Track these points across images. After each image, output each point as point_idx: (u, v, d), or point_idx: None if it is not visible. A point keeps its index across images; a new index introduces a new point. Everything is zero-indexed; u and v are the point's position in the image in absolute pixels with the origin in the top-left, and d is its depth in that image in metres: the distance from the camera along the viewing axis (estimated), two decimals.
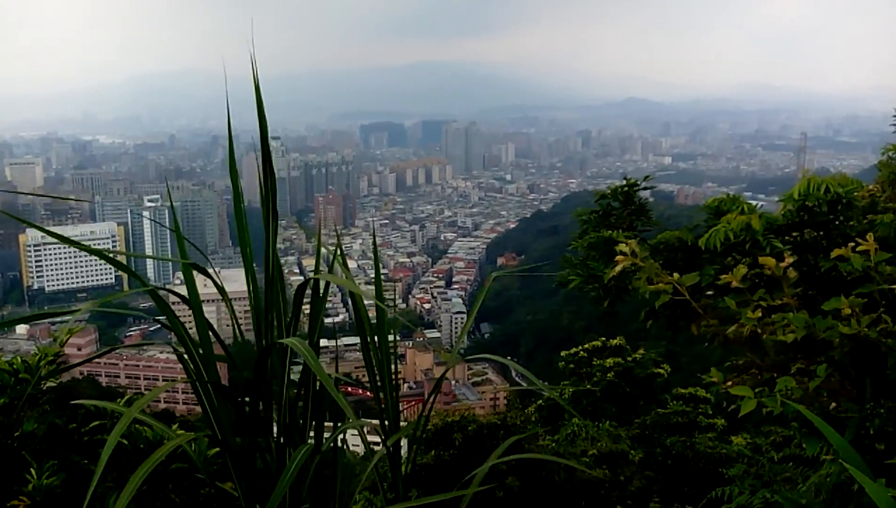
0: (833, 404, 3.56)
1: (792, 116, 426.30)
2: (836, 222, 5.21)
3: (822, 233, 5.22)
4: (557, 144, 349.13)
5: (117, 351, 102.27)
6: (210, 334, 3.46)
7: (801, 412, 2.54)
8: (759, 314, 3.75)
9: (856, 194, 5.33)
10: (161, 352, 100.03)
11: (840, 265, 3.80)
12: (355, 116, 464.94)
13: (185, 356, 3.42)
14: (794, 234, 5.28)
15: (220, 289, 3.49)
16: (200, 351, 3.41)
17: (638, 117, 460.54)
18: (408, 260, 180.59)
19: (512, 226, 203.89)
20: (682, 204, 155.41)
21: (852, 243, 3.68)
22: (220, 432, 3.42)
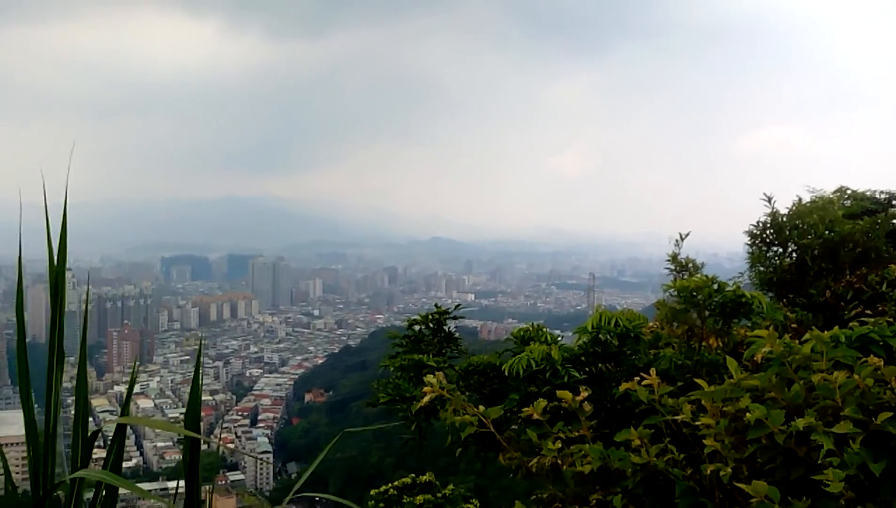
0: None
1: (581, 258, 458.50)
2: (626, 353, 5.62)
3: (613, 364, 5.60)
4: (365, 280, 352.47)
5: None
6: None
7: None
8: (559, 446, 3.91)
9: (642, 329, 5.81)
10: None
11: (633, 395, 4.06)
12: (156, 248, 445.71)
13: None
14: (591, 368, 5.63)
15: None
16: None
17: (442, 256, 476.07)
18: (210, 398, 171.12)
19: (320, 361, 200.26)
20: (485, 339, 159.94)
21: (637, 377, 3.96)
22: None
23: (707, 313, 5.73)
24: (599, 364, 5.64)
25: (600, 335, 5.59)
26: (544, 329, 6.40)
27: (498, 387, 5.88)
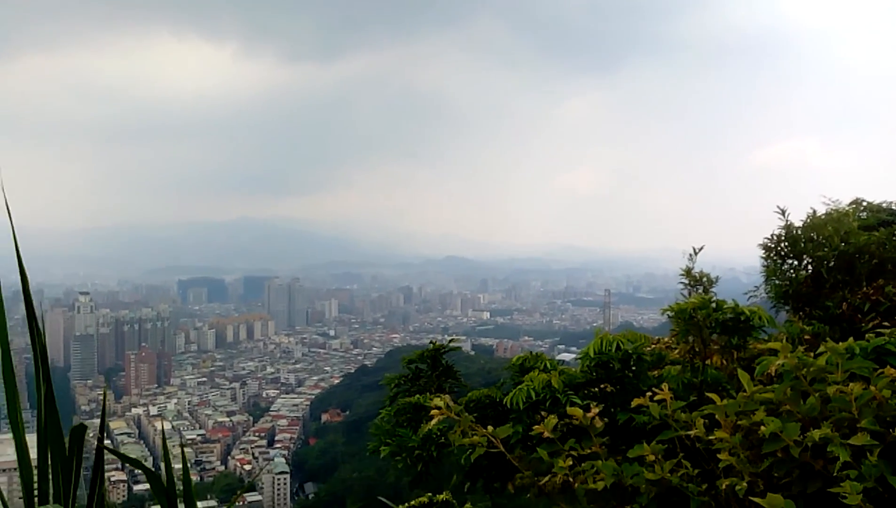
0: None
1: (596, 275, 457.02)
2: (630, 376, 5.56)
3: (618, 387, 5.54)
4: (380, 299, 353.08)
5: None
6: None
7: None
8: (570, 463, 3.87)
9: (644, 349, 5.75)
10: None
11: (637, 418, 4.03)
12: (173, 271, 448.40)
13: None
14: (594, 390, 5.58)
15: None
16: None
17: (457, 274, 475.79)
18: (227, 419, 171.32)
19: (336, 381, 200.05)
20: (501, 357, 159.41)
21: (650, 393, 3.92)
22: None
23: (708, 331, 5.66)
24: (603, 384, 5.59)
25: (602, 359, 5.55)
26: (543, 356, 6.40)
27: (499, 420, 5.86)
